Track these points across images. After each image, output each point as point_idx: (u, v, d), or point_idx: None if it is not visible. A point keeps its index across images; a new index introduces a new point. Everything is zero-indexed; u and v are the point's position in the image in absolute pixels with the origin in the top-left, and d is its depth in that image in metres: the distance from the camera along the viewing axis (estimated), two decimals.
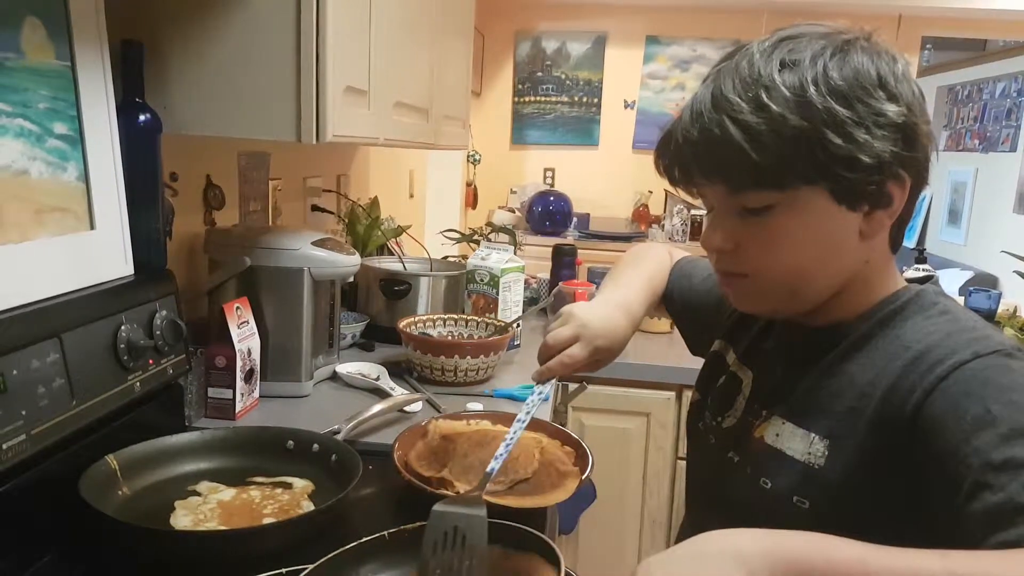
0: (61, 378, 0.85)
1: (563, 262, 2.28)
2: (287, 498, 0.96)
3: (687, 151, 0.71)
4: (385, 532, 0.71)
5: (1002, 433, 0.58)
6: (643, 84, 4.52)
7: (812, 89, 0.66)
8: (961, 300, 2.26)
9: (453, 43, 1.95)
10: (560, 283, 2.11)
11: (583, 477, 1.03)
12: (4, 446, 0.77)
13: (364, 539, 0.70)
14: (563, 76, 4.56)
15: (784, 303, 0.77)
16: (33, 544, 0.83)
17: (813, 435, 0.72)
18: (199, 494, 0.95)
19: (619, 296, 1.03)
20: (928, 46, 5.68)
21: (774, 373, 0.82)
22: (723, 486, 0.83)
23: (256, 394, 1.31)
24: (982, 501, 0.56)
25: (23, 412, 0.80)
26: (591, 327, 0.95)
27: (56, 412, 0.84)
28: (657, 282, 1.10)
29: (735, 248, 0.74)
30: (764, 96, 0.66)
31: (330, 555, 0.71)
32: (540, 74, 4.57)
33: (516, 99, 4.60)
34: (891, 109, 0.67)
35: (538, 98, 4.59)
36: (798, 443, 0.73)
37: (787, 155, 0.66)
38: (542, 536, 0.73)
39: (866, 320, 0.75)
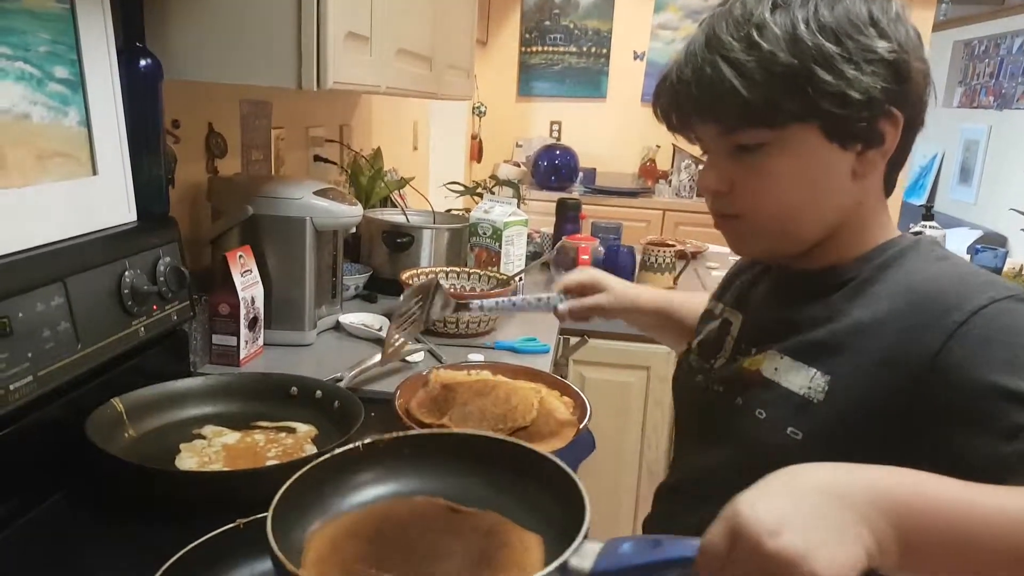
0: (66, 322, 0.86)
1: (567, 216, 2.27)
2: (291, 442, 0.97)
3: (681, 91, 0.73)
4: (359, 443, 0.70)
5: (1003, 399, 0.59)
6: (653, 35, 4.43)
7: (803, 27, 0.67)
8: (968, 258, 2.26)
9: None
10: (563, 237, 2.11)
11: (580, 426, 1.04)
12: (11, 387, 0.78)
13: (338, 451, 0.68)
14: (571, 26, 4.47)
15: (777, 243, 0.77)
16: (41, 484, 0.85)
17: (814, 371, 0.72)
18: (204, 437, 0.97)
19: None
20: (945, 0, 5.54)
21: (766, 313, 0.83)
22: (712, 418, 0.84)
23: (260, 342, 1.32)
24: None
25: (29, 354, 0.81)
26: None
27: (61, 355, 0.85)
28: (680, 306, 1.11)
29: (730, 189, 0.75)
30: (755, 35, 0.67)
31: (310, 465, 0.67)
32: (548, 23, 4.48)
33: (523, 49, 4.52)
34: (881, 45, 0.68)
35: (545, 48, 4.51)
36: (797, 377, 0.73)
37: (777, 92, 0.68)
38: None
39: (865, 263, 0.75)
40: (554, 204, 2.34)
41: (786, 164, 0.71)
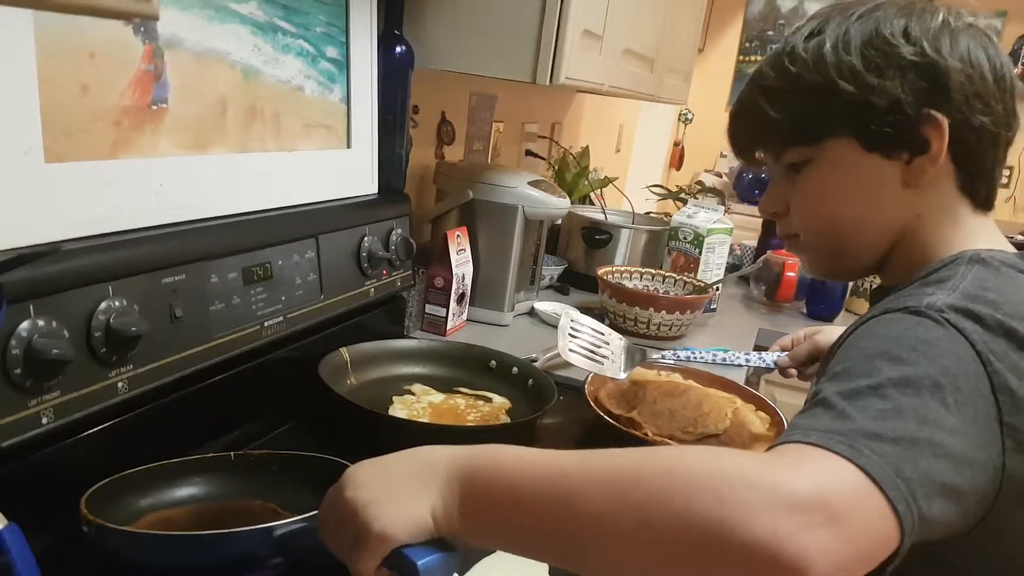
0: (314, 274, 0.97)
1: (774, 230, 2.19)
2: (487, 409, 1.04)
3: (733, 125, 0.78)
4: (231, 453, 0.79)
5: (834, 372, 0.56)
6: None
7: (828, 47, 0.68)
8: None
9: None
10: (768, 251, 2.04)
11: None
12: (266, 323, 0.90)
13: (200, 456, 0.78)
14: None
15: (837, 260, 0.77)
16: (280, 412, 0.96)
17: None
18: (413, 394, 1.06)
19: None
20: None
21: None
22: None
23: (464, 316, 1.41)
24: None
25: (283, 298, 0.92)
26: None
27: (307, 302, 0.97)
28: None
29: (787, 210, 0.77)
30: (787, 61, 0.71)
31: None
32: (771, 33, 4.32)
33: (740, 58, 4.41)
34: (906, 50, 0.66)
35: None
36: None
37: (805, 109, 0.70)
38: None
39: (922, 279, 0.68)
40: (756, 219, 2.27)
41: (831, 179, 0.72)
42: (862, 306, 1.98)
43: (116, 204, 0.72)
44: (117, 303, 0.69)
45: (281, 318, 0.92)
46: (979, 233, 0.71)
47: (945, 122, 0.66)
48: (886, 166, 0.69)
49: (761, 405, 1.13)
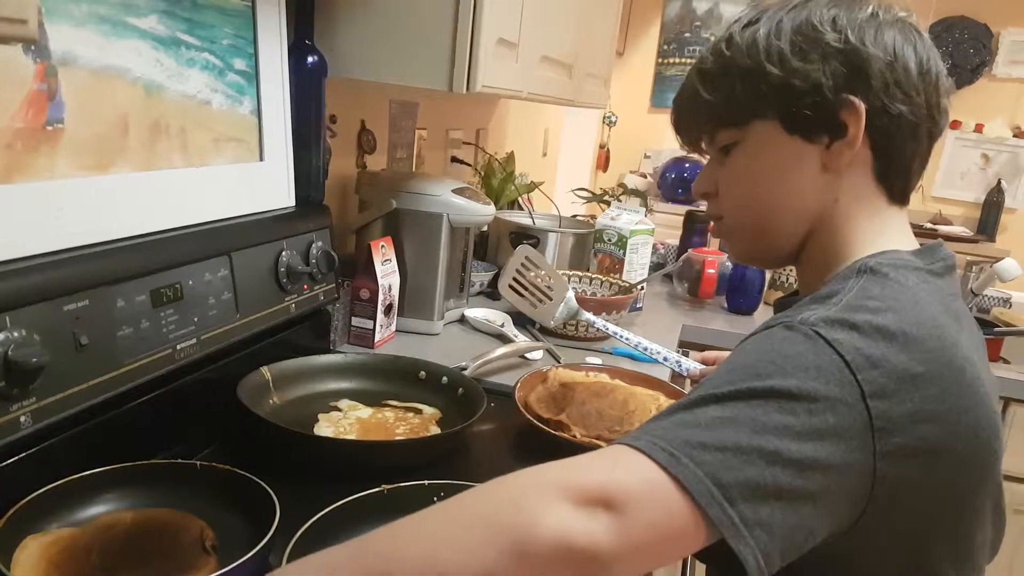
0: (229, 292, 0.95)
1: (695, 229, 2.25)
2: (417, 421, 1.03)
3: (674, 110, 0.81)
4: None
5: (704, 381, 0.60)
6: None
7: (762, 33, 0.71)
8: None
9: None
10: (689, 250, 2.09)
11: None
12: (178, 347, 0.87)
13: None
14: (712, 38, 4.40)
15: (758, 244, 0.79)
16: (198, 437, 0.93)
17: None
18: (340, 410, 1.04)
19: None
20: None
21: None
22: None
23: (393, 327, 1.39)
24: None
25: (195, 319, 0.90)
26: None
27: (223, 322, 0.94)
28: None
29: (716, 192, 0.79)
30: (723, 47, 0.73)
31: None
32: (688, 35, 4.43)
33: (660, 60, 4.50)
34: (829, 37, 0.69)
35: (683, 60, 4.46)
36: None
37: (735, 91, 0.73)
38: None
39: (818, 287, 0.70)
40: (679, 217, 2.32)
41: (755, 160, 0.74)
42: None
43: (12, 231, 0.69)
44: (16, 334, 0.66)
45: (195, 340, 0.89)
46: (890, 228, 0.73)
47: (863, 107, 0.68)
48: (807, 149, 0.71)
49: None
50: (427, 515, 0.54)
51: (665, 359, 1.14)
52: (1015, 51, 4.08)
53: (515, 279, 1.13)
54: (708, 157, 0.81)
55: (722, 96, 0.74)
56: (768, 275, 2.05)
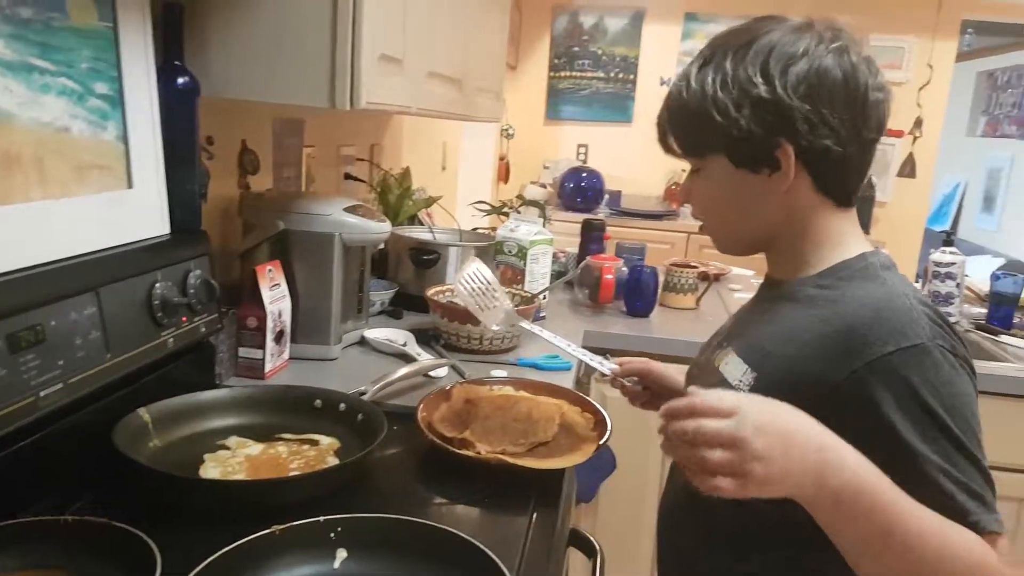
0: (97, 331, 0.88)
1: (592, 237, 2.28)
2: (313, 454, 0.98)
3: (658, 130, 0.93)
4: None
5: (929, 434, 0.72)
6: (679, 62, 4.44)
7: (710, 81, 0.83)
8: (987, 284, 2.24)
9: (490, 15, 1.95)
10: (588, 257, 2.11)
11: (601, 442, 1.04)
12: (41, 394, 0.80)
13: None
14: (600, 52, 4.51)
15: (730, 243, 0.94)
16: (69, 488, 0.86)
17: (746, 366, 0.86)
18: (228, 448, 0.98)
19: None
20: (969, 30, 5.51)
21: (741, 317, 1.00)
22: None
23: (286, 355, 1.34)
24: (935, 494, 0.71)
25: (60, 362, 0.83)
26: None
27: (92, 363, 0.87)
28: None
29: (692, 201, 0.94)
30: (683, 89, 0.86)
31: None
32: (577, 49, 4.52)
33: (552, 74, 4.57)
34: (761, 89, 0.81)
35: (574, 73, 4.55)
36: (736, 370, 0.87)
37: (692, 130, 0.88)
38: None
39: (815, 280, 0.86)
40: (577, 224, 2.35)
41: (711, 184, 0.89)
42: (674, 300, 2.13)
43: None
44: None
45: (61, 385, 0.82)
46: (843, 227, 0.87)
47: (791, 148, 0.82)
48: (752, 178, 0.85)
49: (586, 406, 1.16)
50: (933, 537, 0.68)
51: (591, 359, 1.14)
52: (881, 56, 4.36)
53: (462, 284, 1.27)
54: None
55: (683, 132, 0.89)
56: (662, 279, 2.11)
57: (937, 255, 2.12)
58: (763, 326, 0.89)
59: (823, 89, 0.80)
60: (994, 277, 2.15)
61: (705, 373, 0.95)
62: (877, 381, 0.73)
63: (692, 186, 0.93)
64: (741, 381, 0.85)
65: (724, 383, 0.87)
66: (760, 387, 0.81)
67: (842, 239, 0.87)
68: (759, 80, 0.81)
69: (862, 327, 0.76)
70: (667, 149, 0.94)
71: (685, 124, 0.88)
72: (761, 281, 1.01)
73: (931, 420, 0.71)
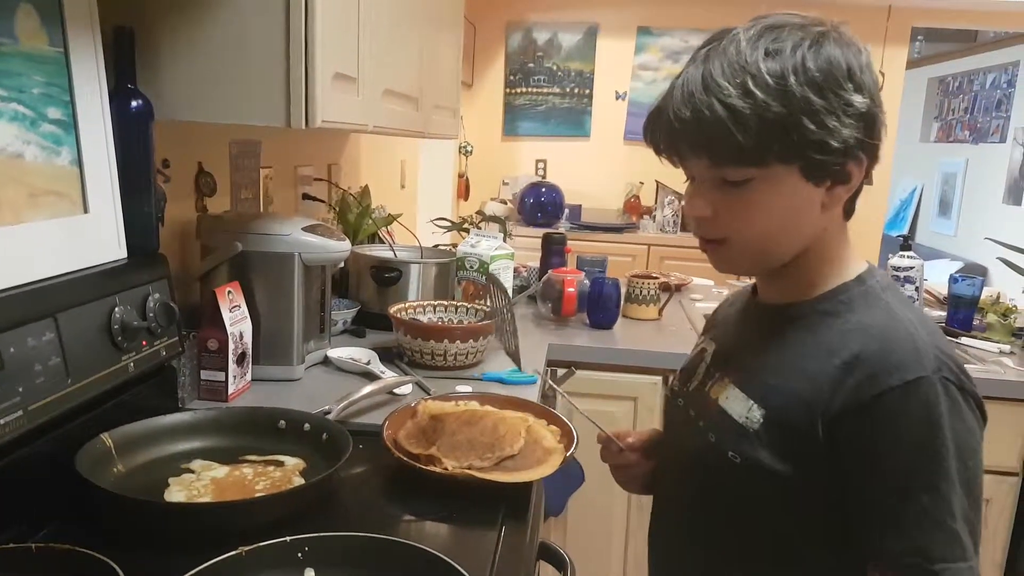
0: (57, 357, 0.87)
1: (552, 250, 2.30)
2: (279, 475, 0.98)
3: (678, 128, 0.77)
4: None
5: (900, 486, 0.73)
6: (634, 75, 4.53)
7: (792, 79, 0.73)
8: (945, 288, 2.30)
9: (443, 33, 1.97)
10: (549, 271, 2.14)
11: (567, 454, 1.05)
12: (1, 421, 0.79)
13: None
14: (555, 67, 4.57)
15: (758, 262, 0.85)
16: (31, 517, 0.85)
17: (752, 402, 0.82)
18: (192, 471, 0.97)
19: None
20: (919, 37, 5.71)
21: (731, 343, 0.93)
22: (682, 438, 0.93)
23: (248, 377, 1.33)
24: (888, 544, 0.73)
25: (20, 389, 0.82)
26: None
27: (52, 390, 0.86)
28: None
29: (714, 215, 0.81)
30: (750, 83, 0.73)
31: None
32: (532, 65, 4.58)
33: (508, 90, 4.61)
34: (858, 100, 0.75)
35: (529, 89, 4.60)
36: (739, 406, 0.83)
37: (767, 137, 0.74)
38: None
39: (815, 305, 0.83)
40: (538, 239, 2.38)
41: (768, 197, 0.78)
42: (636, 311, 2.15)
43: None
44: None
45: (20, 412, 0.81)
46: (844, 242, 0.85)
47: (866, 161, 0.78)
48: (814, 191, 0.78)
49: (552, 419, 1.17)
50: None
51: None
52: None
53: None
54: (691, 176, 0.83)
55: (754, 139, 0.74)
56: (624, 291, 2.14)
57: (896, 259, 2.17)
58: (762, 355, 0.85)
59: (880, 98, 0.79)
60: (952, 280, 2.20)
61: (701, 406, 0.89)
62: (880, 416, 0.73)
63: (720, 198, 0.80)
64: (748, 419, 0.81)
65: (726, 418, 0.84)
66: (771, 423, 0.79)
67: (842, 254, 0.84)
68: (850, 86, 0.75)
69: (868, 360, 0.75)
70: (679, 153, 0.80)
71: (755, 130, 0.73)
72: (731, 294, 0.99)
73: (928, 458, 0.72)
